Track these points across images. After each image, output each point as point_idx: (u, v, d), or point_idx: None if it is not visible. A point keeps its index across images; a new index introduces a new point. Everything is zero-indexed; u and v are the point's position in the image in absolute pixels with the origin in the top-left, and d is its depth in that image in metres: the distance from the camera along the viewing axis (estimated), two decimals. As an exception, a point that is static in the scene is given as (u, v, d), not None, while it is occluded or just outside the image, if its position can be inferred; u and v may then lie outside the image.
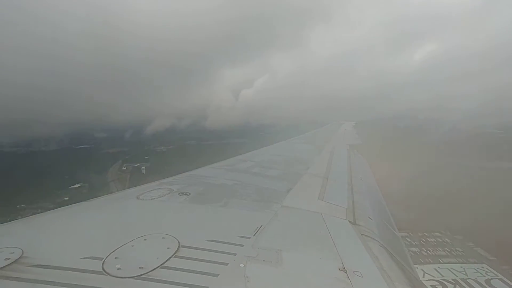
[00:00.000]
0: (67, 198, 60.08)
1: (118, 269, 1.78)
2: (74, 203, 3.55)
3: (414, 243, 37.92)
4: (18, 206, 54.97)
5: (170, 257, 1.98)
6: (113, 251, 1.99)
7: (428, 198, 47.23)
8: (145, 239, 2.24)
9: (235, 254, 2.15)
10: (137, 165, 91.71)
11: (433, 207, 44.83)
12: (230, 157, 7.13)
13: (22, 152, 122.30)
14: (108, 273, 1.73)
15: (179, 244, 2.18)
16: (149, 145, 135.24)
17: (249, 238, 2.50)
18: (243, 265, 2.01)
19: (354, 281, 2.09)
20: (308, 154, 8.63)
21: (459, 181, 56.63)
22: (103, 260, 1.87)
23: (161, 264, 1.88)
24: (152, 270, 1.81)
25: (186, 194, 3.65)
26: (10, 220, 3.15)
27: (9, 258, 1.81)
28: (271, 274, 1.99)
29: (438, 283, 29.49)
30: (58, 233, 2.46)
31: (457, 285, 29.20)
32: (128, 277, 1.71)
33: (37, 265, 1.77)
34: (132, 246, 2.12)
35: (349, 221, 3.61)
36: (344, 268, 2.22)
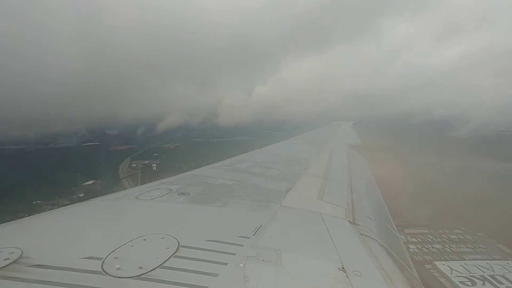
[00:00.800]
0: (82, 194, 60.20)
1: (118, 269, 1.79)
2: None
3: (436, 240, 38.01)
4: (34, 203, 55.02)
5: (169, 257, 1.99)
6: (113, 251, 2.00)
7: (446, 195, 47.26)
8: (144, 239, 2.25)
9: (234, 254, 2.15)
10: (146, 162, 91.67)
11: (452, 204, 44.85)
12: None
13: (30, 150, 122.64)
14: (107, 273, 1.74)
15: (178, 244, 2.19)
16: (155, 142, 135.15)
17: (249, 238, 2.51)
18: (242, 265, 2.02)
19: (353, 280, 2.10)
20: (307, 154, 8.58)
21: (478, 179, 56.52)
22: (102, 260, 1.88)
23: (161, 264, 1.89)
24: (151, 270, 1.81)
25: (185, 194, 3.65)
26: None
27: (8, 258, 1.82)
28: (270, 274, 2.00)
29: (467, 280, 29.56)
30: (58, 233, 2.47)
31: (485, 282, 29.25)
32: (128, 277, 1.72)
33: (36, 265, 1.77)
34: (132, 246, 2.13)
35: (348, 221, 3.60)
36: (343, 268, 2.23)
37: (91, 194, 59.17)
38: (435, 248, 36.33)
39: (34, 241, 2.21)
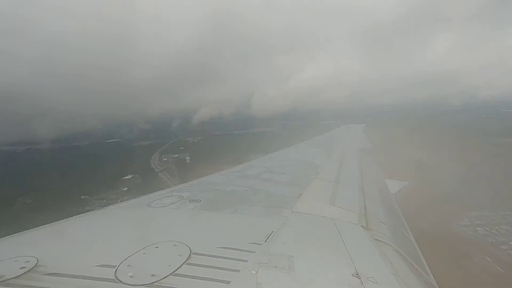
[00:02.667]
0: (125, 188, 61.12)
1: (131, 276, 1.80)
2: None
3: (502, 221, 37.47)
4: (82, 197, 56.18)
5: (181, 265, 2.00)
6: (126, 259, 2.01)
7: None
8: (156, 247, 2.26)
9: (246, 261, 2.14)
10: (176, 155, 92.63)
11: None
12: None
13: (56, 148, 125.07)
14: (121, 281, 1.75)
15: (190, 252, 2.19)
16: (177, 137, 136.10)
17: (260, 244, 2.48)
18: (255, 272, 2.00)
19: (368, 287, 2.04)
20: (318, 158, 8.46)
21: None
22: (116, 268, 1.89)
23: (173, 272, 1.90)
24: (164, 278, 1.81)
25: (196, 201, 3.64)
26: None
27: (24, 267, 1.84)
28: (283, 281, 1.97)
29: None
30: (72, 242, 2.51)
31: None
32: (141, 285, 1.72)
33: (51, 274, 1.79)
34: (144, 254, 2.14)
35: (361, 226, 3.53)
36: (357, 274, 2.18)
37: (134, 187, 60.26)
38: (503, 229, 35.86)
39: (49, 250, 2.25)
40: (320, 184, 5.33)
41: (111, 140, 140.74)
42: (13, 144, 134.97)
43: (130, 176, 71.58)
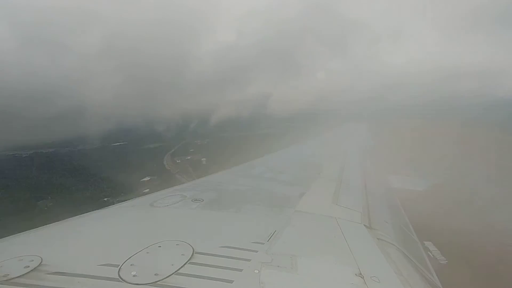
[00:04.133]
0: (147, 190, 60.49)
1: (134, 276, 1.82)
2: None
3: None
4: (105, 199, 55.50)
5: (184, 264, 2.02)
6: (129, 258, 2.04)
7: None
8: (159, 246, 2.29)
9: (249, 260, 2.16)
10: (189, 157, 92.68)
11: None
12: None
13: (62, 152, 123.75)
14: (124, 280, 1.77)
15: (193, 251, 2.21)
16: (184, 140, 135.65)
17: (263, 243, 2.49)
18: (257, 271, 2.02)
19: (371, 286, 2.05)
20: (320, 157, 8.50)
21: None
22: (119, 267, 1.92)
23: (176, 271, 1.92)
24: (167, 277, 1.83)
25: (199, 200, 3.66)
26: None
27: (28, 266, 1.87)
28: (286, 280, 1.98)
29: None
30: (75, 241, 2.53)
31: None
32: (144, 284, 1.75)
33: (55, 273, 1.82)
34: (147, 253, 2.17)
35: (364, 225, 3.53)
36: (360, 274, 2.18)
37: (155, 189, 59.45)
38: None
39: (53, 249, 2.27)
40: (322, 183, 5.34)
41: (117, 144, 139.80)
42: (16, 148, 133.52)
43: (148, 178, 71.19)
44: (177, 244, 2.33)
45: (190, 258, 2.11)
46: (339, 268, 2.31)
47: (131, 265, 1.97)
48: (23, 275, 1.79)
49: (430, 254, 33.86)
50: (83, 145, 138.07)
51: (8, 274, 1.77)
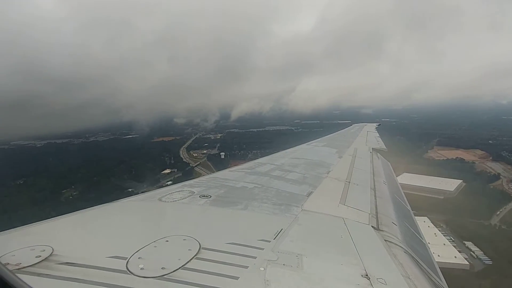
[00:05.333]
0: (170, 182, 60.41)
1: (141, 269, 1.83)
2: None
3: None
4: (130, 190, 55.57)
5: (191, 259, 2.02)
6: (137, 251, 2.05)
7: None
8: (167, 241, 2.29)
9: (255, 258, 2.15)
10: (205, 151, 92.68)
11: None
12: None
13: (76, 143, 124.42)
14: (132, 273, 1.79)
15: (200, 246, 2.21)
16: (196, 133, 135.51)
17: (269, 241, 2.49)
18: (263, 269, 2.01)
19: None
20: (329, 157, 8.31)
21: None
22: (127, 259, 1.93)
23: (183, 265, 1.92)
24: (173, 271, 1.84)
25: (207, 196, 3.67)
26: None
27: (40, 256, 1.88)
28: (291, 279, 1.97)
29: None
30: (85, 233, 2.58)
31: None
32: (151, 277, 1.76)
33: (65, 263, 1.84)
34: (155, 247, 2.17)
35: (372, 226, 3.51)
36: (367, 275, 2.16)
37: (176, 181, 59.29)
38: None
39: (64, 240, 2.29)
40: (330, 183, 5.27)
41: (128, 136, 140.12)
42: (29, 138, 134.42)
43: (169, 171, 71.14)
44: (184, 239, 2.35)
45: (197, 253, 2.12)
46: (345, 268, 2.29)
47: (139, 258, 1.98)
48: (34, 264, 1.81)
49: (473, 254, 33.57)
50: (95, 137, 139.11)
51: (20, 263, 1.80)
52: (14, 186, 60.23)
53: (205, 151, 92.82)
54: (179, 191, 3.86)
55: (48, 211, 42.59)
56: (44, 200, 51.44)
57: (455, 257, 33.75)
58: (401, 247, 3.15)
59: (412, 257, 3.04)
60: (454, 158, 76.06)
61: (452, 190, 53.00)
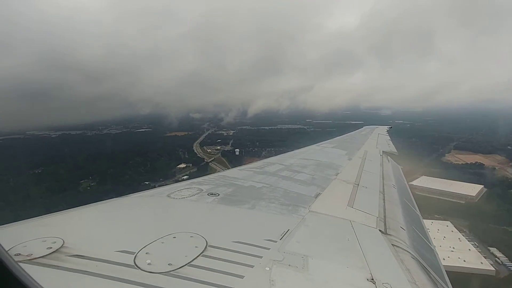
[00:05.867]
0: (186, 176, 60.62)
1: (149, 264, 1.85)
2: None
3: None
4: (147, 183, 55.93)
5: (197, 256, 2.03)
6: (145, 247, 2.07)
7: None
8: (174, 237, 2.30)
9: (261, 257, 2.15)
10: (219, 147, 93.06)
11: None
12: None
13: (89, 134, 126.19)
14: (139, 267, 1.81)
15: (206, 244, 2.23)
16: (208, 129, 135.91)
17: (276, 242, 2.49)
18: (268, 269, 2.01)
19: None
20: (338, 159, 8.19)
21: None
22: (135, 254, 1.95)
23: (189, 262, 1.94)
24: (180, 268, 1.86)
25: (215, 194, 3.66)
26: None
27: (51, 247, 1.92)
28: (296, 280, 1.98)
29: None
30: (95, 226, 2.60)
31: None
32: (158, 273, 1.78)
33: (75, 255, 1.87)
34: (162, 243, 2.19)
35: (379, 230, 3.44)
36: (372, 279, 2.13)
37: (193, 175, 59.69)
38: None
39: (74, 232, 2.32)
40: (339, 185, 5.23)
41: (141, 130, 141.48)
42: (43, 129, 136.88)
43: (184, 165, 71.48)
44: (191, 236, 2.35)
45: (203, 251, 2.13)
46: (350, 271, 2.27)
47: (146, 253, 1.99)
48: (45, 255, 1.83)
49: (498, 260, 32.60)
50: (108, 129, 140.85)
51: (32, 254, 1.83)
52: (33, 175, 61.23)
53: (218, 147, 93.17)
54: (187, 188, 3.86)
55: (68, 200, 43.26)
56: (63, 189, 52.12)
57: (481, 263, 32.98)
58: (409, 252, 3.12)
59: (420, 263, 3.01)
60: (474, 162, 74.35)
61: (474, 195, 51.79)
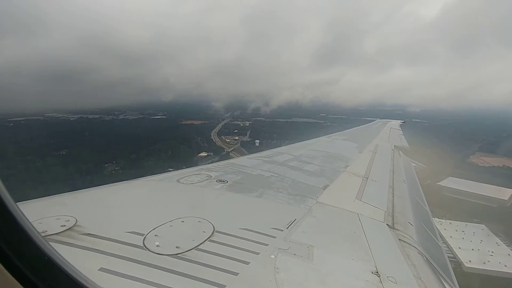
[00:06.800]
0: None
1: (157, 246, 1.91)
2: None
3: None
4: (171, 170, 55.72)
5: (204, 241, 2.08)
6: (154, 229, 2.13)
7: None
8: (182, 221, 2.35)
9: (267, 245, 2.19)
10: (237, 138, 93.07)
11: None
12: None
13: (107, 119, 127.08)
14: (148, 249, 1.87)
15: (214, 229, 2.27)
16: (224, 119, 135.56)
17: (282, 230, 2.51)
18: (274, 256, 2.04)
19: (387, 286, 2.02)
20: (348, 151, 8.15)
21: None
22: (144, 236, 2.01)
23: (196, 246, 1.98)
24: (187, 251, 1.90)
25: (223, 181, 3.68)
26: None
27: (64, 225, 1.99)
28: (301, 269, 2.00)
29: None
30: (107, 207, 2.69)
31: None
32: (165, 255, 1.83)
33: (87, 234, 1.93)
34: (171, 226, 2.25)
35: (387, 224, 3.43)
36: (377, 272, 2.15)
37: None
38: None
39: (87, 212, 2.40)
40: (348, 178, 5.18)
41: (156, 117, 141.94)
42: (61, 112, 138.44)
43: (205, 154, 71.38)
44: (199, 221, 2.38)
45: (211, 235, 2.15)
46: (355, 263, 2.26)
47: (155, 235, 2.02)
48: (59, 233, 1.89)
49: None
50: (124, 115, 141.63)
51: (46, 231, 1.88)
52: (58, 156, 61.88)
53: (236, 137, 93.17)
54: (197, 174, 3.90)
55: (97, 183, 43.29)
56: (90, 172, 52.49)
57: (523, 269, 32.05)
58: (416, 247, 3.08)
59: (426, 259, 2.95)
60: (501, 166, 72.31)
61: (506, 199, 50.30)
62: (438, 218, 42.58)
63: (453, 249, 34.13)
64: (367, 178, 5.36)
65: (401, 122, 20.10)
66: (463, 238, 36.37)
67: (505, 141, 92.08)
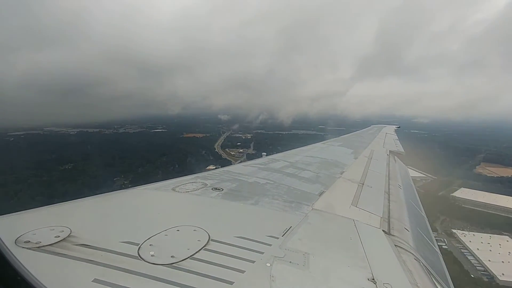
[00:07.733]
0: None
1: (152, 255, 1.88)
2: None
3: None
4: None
5: (200, 249, 2.05)
6: (148, 238, 2.10)
7: None
8: (177, 230, 2.33)
9: (262, 253, 2.17)
10: (241, 150, 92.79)
11: None
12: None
13: (107, 133, 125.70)
14: (143, 259, 1.84)
15: (209, 238, 2.24)
16: (225, 132, 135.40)
17: (277, 238, 2.50)
18: (269, 265, 2.02)
19: None
20: (344, 157, 8.16)
21: None
22: (139, 246, 1.98)
23: (191, 255, 1.96)
24: (182, 260, 1.88)
25: (219, 189, 3.67)
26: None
27: (59, 236, 1.96)
28: (297, 277, 1.98)
29: None
30: (102, 216, 2.65)
31: None
32: (160, 264, 1.80)
33: (82, 245, 1.90)
34: (166, 235, 2.22)
35: (383, 230, 3.41)
36: (373, 279, 2.13)
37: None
38: None
39: (81, 222, 2.35)
40: (343, 184, 5.20)
41: (156, 130, 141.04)
42: (61, 125, 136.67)
43: (213, 167, 69.94)
44: (194, 230, 2.37)
45: (206, 244, 2.14)
46: (351, 270, 2.26)
47: (150, 245, 2.01)
48: (53, 244, 1.87)
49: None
50: (124, 128, 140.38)
51: (40, 242, 1.86)
52: (65, 171, 60.30)
53: (241, 150, 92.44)
54: (192, 182, 3.86)
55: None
56: (99, 186, 50.97)
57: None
58: (412, 253, 3.06)
59: (423, 264, 2.93)
60: (510, 176, 72.68)
61: (525, 209, 50.13)
62: (461, 230, 42.26)
63: (483, 262, 33.60)
64: (363, 184, 5.36)
65: (396, 127, 20.11)
66: (490, 250, 36.04)
67: (506, 151, 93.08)
